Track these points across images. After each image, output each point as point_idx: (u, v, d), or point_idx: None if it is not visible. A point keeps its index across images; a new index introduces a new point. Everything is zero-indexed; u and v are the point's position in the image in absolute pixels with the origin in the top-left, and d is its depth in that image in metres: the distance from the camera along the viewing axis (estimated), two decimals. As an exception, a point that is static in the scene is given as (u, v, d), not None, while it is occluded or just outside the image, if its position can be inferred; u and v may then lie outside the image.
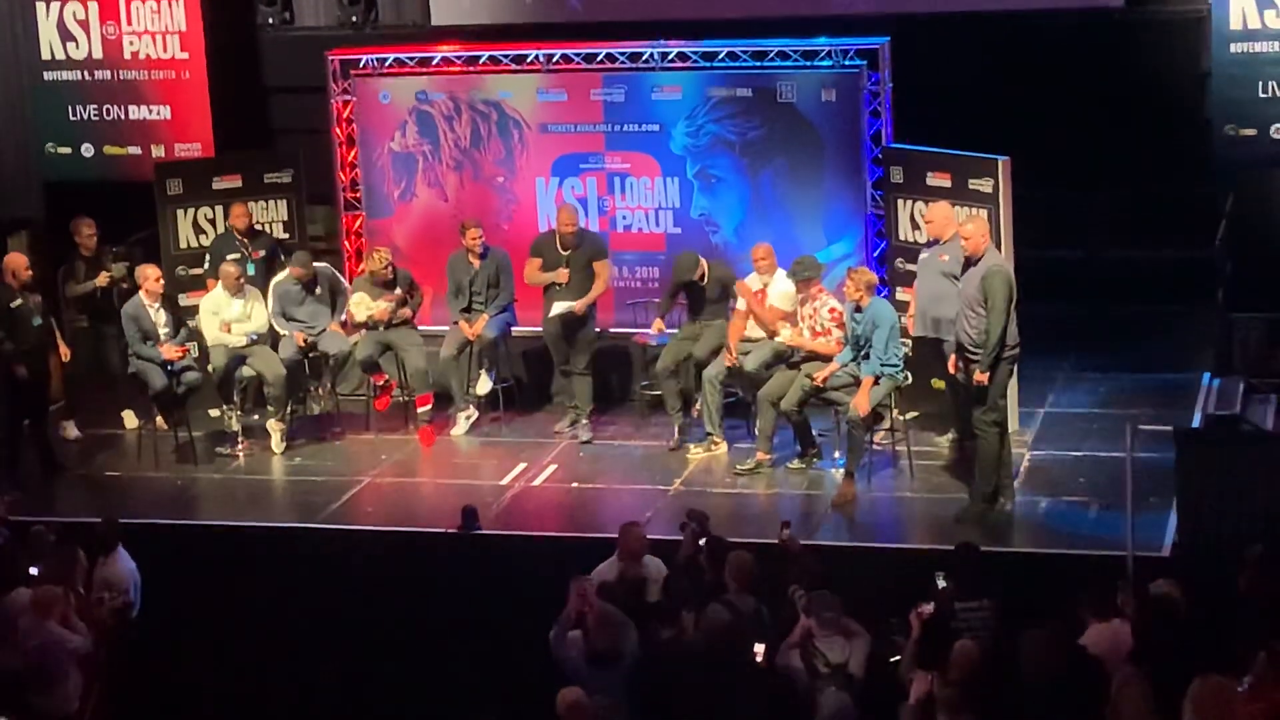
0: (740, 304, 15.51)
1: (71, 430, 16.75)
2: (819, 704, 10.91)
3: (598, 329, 16.48)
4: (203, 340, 16.20)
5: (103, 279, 16.70)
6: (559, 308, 16.13)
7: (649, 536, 12.96)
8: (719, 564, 11.91)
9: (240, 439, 16.16)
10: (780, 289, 15.32)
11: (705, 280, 15.78)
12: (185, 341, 15.97)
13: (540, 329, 16.50)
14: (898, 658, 11.08)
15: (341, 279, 16.86)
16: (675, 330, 16.03)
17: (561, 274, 16.18)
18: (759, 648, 11.28)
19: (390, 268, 16.28)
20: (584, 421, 16.20)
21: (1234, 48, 16.54)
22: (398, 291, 16.27)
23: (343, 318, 16.52)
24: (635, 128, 17.14)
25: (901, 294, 15.86)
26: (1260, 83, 16.51)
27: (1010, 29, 17.66)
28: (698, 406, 15.71)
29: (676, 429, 15.76)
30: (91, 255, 16.85)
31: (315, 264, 16.49)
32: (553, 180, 17.34)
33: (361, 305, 16.29)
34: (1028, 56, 17.56)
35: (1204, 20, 16.86)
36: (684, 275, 15.78)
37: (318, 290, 16.34)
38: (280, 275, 16.46)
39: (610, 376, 16.67)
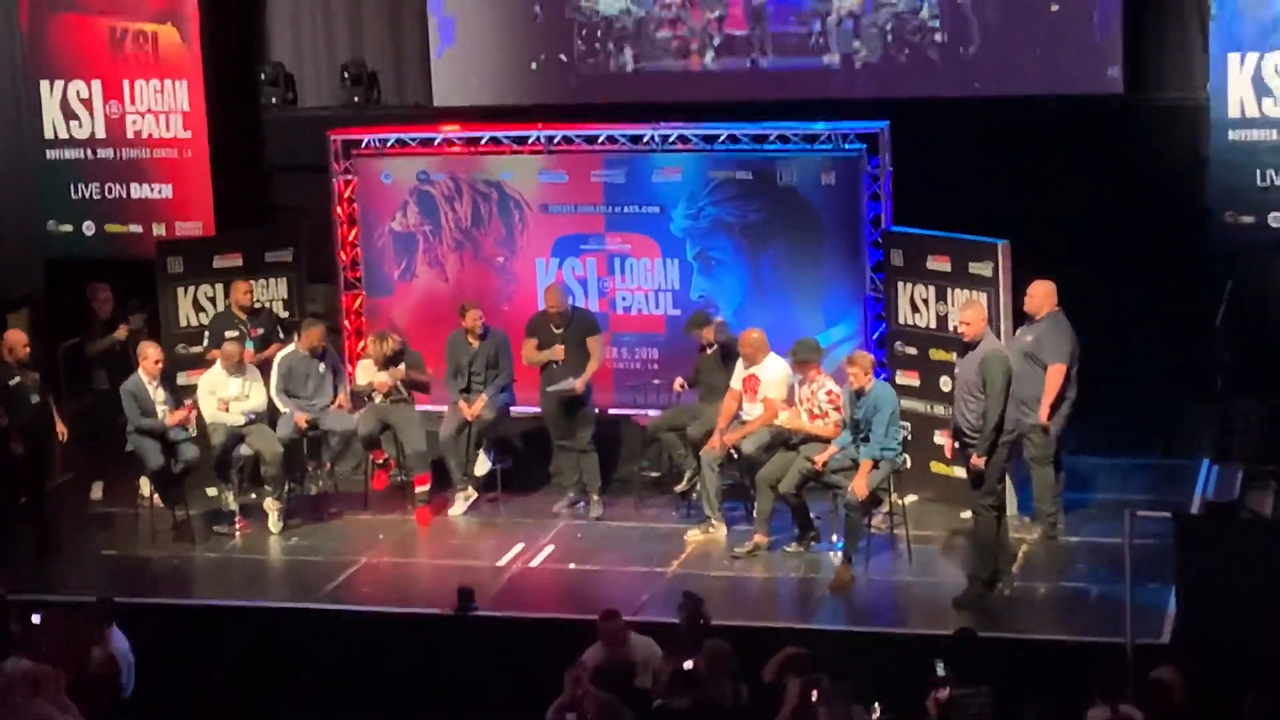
0: (735, 382, 15.50)
1: (98, 491, 16.97)
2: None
3: (595, 409, 16.48)
4: (201, 420, 16.19)
5: (122, 332, 16.89)
6: (558, 387, 16.14)
7: (646, 619, 12.95)
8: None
9: (237, 518, 16.13)
10: (771, 375, 15.30)
11: (711, 349, 15.82)
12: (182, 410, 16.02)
13: (539, 409, 16.52)
14: None
15: (341, 361, 16.86)
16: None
17: (558, 351, 16.20)
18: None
19: (395, 354, 16.28)
20: (595, 498, 16.21)
21: (1232, 135, 16.59)
22: (401, 367, 16.27)
23: (346, 388, 16.56)
24: (635, 209, 17.17)
25: (901, 377, 15.88)
26: (1258, 170, 16.55)
27: (1010, 113, 17.73)
28: (696, 489, 15.68)
29: (687, 475, 15.76)
30: (107, 319, 17.03)
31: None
32: (553, 261, 17.36)
33: (366, 372, 16.36)
34: (1028, 141, 17.61)
35: (1202, 108, 16.90)
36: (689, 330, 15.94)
37: (322, 367, 16.34)
38: (287, 349, 16.45)
39: (607, 458, 16.62)
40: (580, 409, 16.23)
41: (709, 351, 15.92)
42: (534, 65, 19.12)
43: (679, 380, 16.03)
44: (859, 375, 14.47)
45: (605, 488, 16.36)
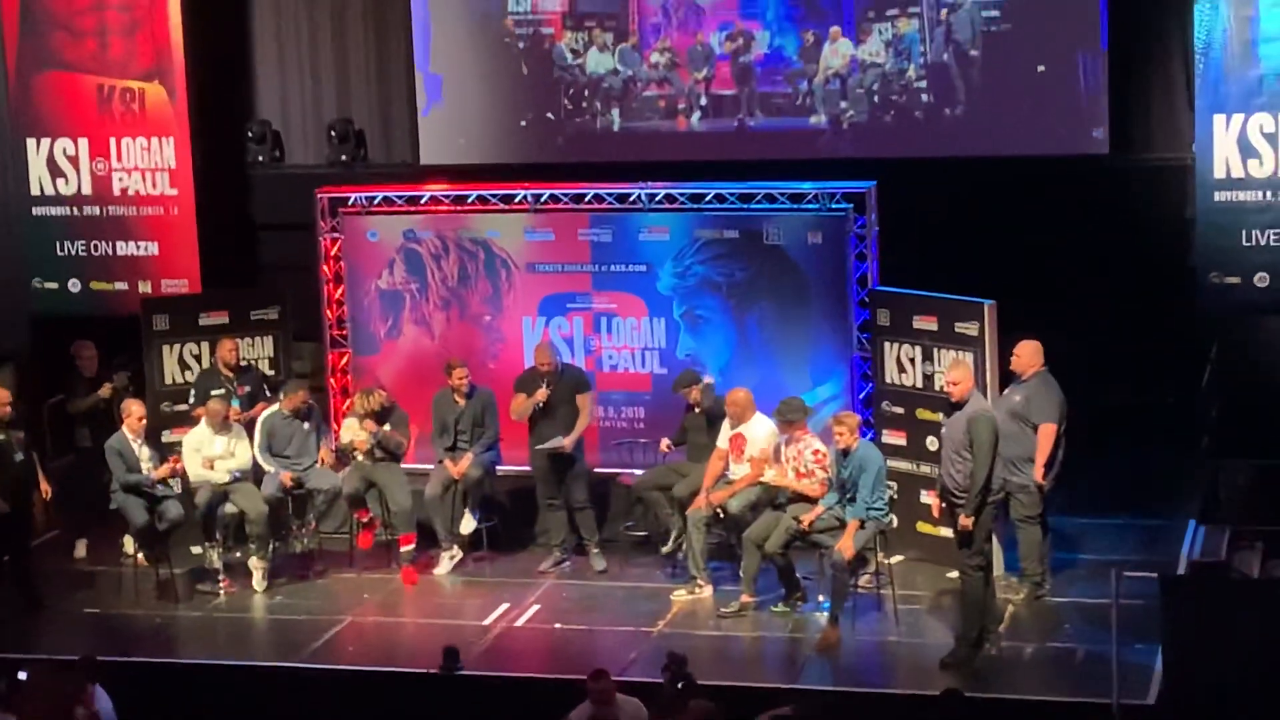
0: (721, 442, 15.49)
1: (82, 549, 16.90)
2: None
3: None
4: (186, 477, 16.15)
5: (106, 390, 16.86)
6: (547, 445, 16.10)
7: (632, 679, 12.90)
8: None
9: (221, 576, 16.07)
10: (757, 435, 15.30)
11: (699, 409, 15.82)
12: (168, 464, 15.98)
13: (525, 468, 16.50)
14: None
15: (324, 419, 16.84)
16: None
17: (541, 394, 16.12)
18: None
19: (383, 409, 16.26)
20: (595, 551, 16.18)
21: (1218, 196, 16.62)
22: (387, 427, 16.25)
23: (331, 446, 16.53)
24: (622, 268, 17.20)
25: (888, 436, 15.87)
26: (1244, 231, 16.58)
27: (996, 174, 17.77)
28: (683, 549, 15.64)
29: (673, 535, 15.71)
30: (92, 377, 17.02)
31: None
32: (539, 319, 17.37)
33: (350, 429, 16.37)
34: (1014, 201, 17.66)
35: (1188, 168, 16.97)
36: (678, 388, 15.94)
37: (306, 426, 16.32)
38: (270, 409, 16.43)
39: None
40: (572, 467, 16.19)
41: (696, 410, 15.91)
42: (522, 124, 19.16)
43: (664, 441, 16.02)
44: (845, 435, 14.47)
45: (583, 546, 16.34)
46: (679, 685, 12.42)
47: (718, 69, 18.65)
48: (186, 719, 14.01)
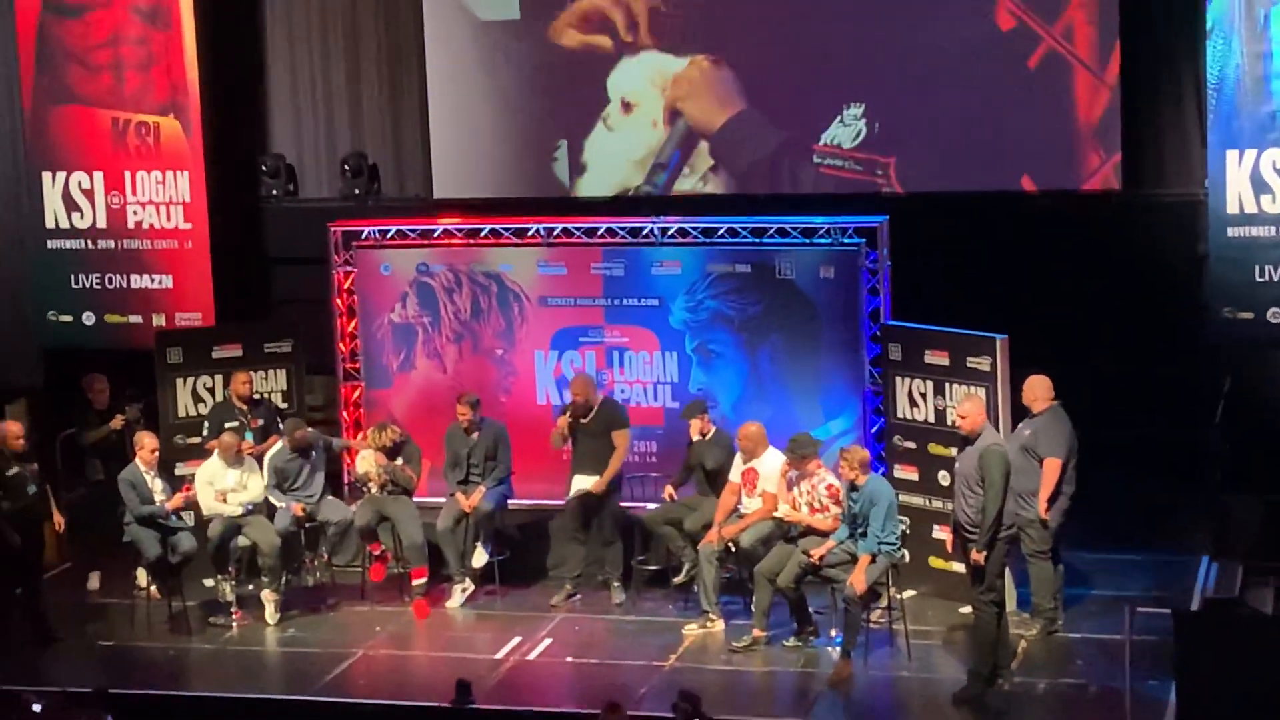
0: (734, 475, 15.48)
1: (95, 581, 16.92)
2: None
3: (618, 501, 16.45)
4: (198, 510, 16.18)
5: (117, 421, 16.89)
6: (578, 485, 16.11)
7: (643, 714, 12.89)
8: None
9: (234, 609, 16.09)
10: (770, 469, 15.30)
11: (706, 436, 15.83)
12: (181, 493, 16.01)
13: (538, 501, 16.58)
14: None
15: (330, 440, 16.84)
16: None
17: (562, 420, 16.18)
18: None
19: (395, 445, 16.29)
20: (616, 584, 16.17)
21: (1231, 231, 16.61)
22: (399, 461, 16.27)
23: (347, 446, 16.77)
24: (635, 302, 17.21)
25: (900, 471, 15.86)
26: (1257, 266, 16.57)
27: (1009, 208, 17.77)
28: (694, 582, 15.63)
29: (685, 567, 15.70)
30: (104, 409, 17.02)
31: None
32: (552, 353, 17.39)
33: (365, 460, 16.44)
34: (1027, 236, 17.66)
35: (1201, 204, 16.96)
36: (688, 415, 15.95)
37: (313, 455, 16.34)
38: (274, 449, 16.44)
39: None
40: (605, 505, 16.20)
41: (698, 442, 15.89)
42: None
43: (668, 490, 15.99)
44: (847, 469, 14.45)
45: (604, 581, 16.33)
46: (690, 724, 12.43)
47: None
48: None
